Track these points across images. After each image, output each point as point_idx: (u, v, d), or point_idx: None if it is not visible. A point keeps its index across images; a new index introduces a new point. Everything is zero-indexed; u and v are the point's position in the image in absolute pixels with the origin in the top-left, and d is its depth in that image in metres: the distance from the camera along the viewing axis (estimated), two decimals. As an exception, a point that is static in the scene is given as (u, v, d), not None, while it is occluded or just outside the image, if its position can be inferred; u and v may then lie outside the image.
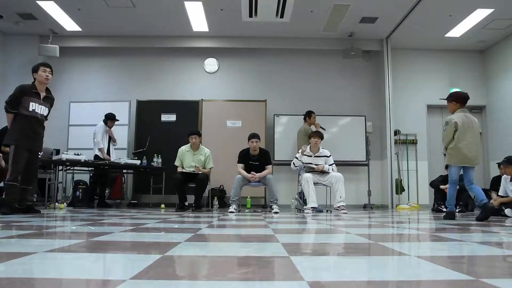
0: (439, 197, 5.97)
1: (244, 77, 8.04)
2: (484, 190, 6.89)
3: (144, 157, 6.75)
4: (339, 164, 6.60)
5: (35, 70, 4.07)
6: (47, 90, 4.20)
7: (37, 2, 6.26)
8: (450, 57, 8.05)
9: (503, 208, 4.70)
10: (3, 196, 3.98)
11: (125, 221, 3.28)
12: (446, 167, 5.26)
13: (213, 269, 1.31)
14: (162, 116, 7.48)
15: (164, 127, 7.41)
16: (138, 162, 6.48)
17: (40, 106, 4.07)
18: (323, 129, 6.65)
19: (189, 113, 7.46)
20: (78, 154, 5.66)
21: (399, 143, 7.58)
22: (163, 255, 1.46)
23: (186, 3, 6.32)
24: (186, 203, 5.55)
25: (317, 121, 6.77)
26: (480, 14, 6.47)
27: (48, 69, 4.09)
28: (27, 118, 3.97)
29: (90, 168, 6.53)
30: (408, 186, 7.50)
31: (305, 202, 5.37)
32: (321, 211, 5.26)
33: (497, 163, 6.03)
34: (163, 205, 6.39)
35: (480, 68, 8.05)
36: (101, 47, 7.83)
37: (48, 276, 1.12)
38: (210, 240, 2.18)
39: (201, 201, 5.64)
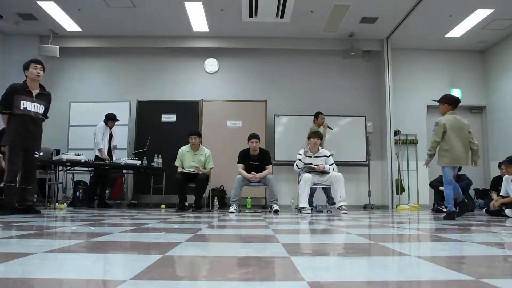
0: (439, 197, 5.97)
1: (244, 77, 8.04)
2: (484, 190, 6.98)
3: (144, 157, 6.75)
4: (340, 164, 6.61)
5: (25, 67, 3.98)
6: (41, 87, 4.09)
7: (37, 2, 6.26)
8: (450, 57, 8.05)
9: (504, 208, 4.70)
10: (3, 197, 3.97)
11: (125, 222, 3.28)
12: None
13: (213, 270, 1.31)
14: (162, 116, 7.48)
15: (164, 127, 7.41)
16: (138, 162, 6.48)
17: (32, 104, 3.97)
18: (331, 128, 6.68)
19: (189, 113, 7.46)
20: (78, 155, 5.65)
21: (399, 143, 7.58)
22: (164, 255, 1.46)
23: (186, 3, 6.32)
24: (187, 204, 5.55)
25: (325, 121, 6.76)
26: (480, 15, 6.47)
27: (39, 66, 3.99)
28: (19, 117, 3.90)
29: (90, 169, 6.53)
30: (408, 186, 7.50)
31: (310, 204, 5.38)
32: (321, 211, 5.26)
33: (498, 163, 6.03)
34: (163, 206, 6.39)
35: (480, 68, 8.04)
36: (101, 47, 7.83)
37: (48, 277, 1.12)
38: (211, 240, 2.18)
39: (201, 202, 5.64)
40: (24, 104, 3.92)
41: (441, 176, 5.91)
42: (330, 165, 5.45)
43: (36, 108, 4.02)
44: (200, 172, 5.52)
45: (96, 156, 6.18)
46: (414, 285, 1.07)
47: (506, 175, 4.91)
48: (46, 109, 4.20)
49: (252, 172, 5.43)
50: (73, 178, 6.93)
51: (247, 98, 7.69)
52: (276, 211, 5.06)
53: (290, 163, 6.82)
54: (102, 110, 6.65)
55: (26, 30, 7.29)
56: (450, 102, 4.17)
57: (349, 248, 1.88)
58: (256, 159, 5.56)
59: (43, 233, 2.33)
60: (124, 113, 7.18)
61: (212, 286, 1.03)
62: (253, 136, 5.55)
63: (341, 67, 7.99)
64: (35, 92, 4.03)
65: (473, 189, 6.89)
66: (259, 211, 5.83)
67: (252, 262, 1.37)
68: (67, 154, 5.64)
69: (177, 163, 5.76)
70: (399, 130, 7.53)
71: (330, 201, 5.34)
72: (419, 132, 7.75)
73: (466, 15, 6.56)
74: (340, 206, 5.09)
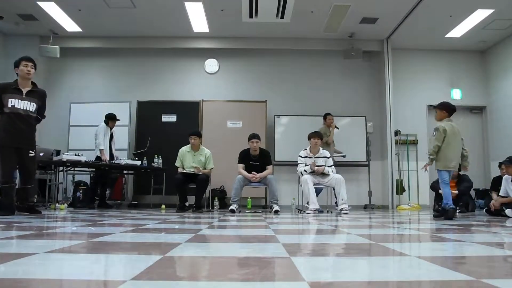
0: (439, 199, 5.96)
1: (244, 78, 8.04)
2: (484, 190, 6.98)
3: (145, 157, 6.75)
4: (340, 164, 6.62)
5: (16, 65, 3.91)
6: (34, 84, 4.02)
7: (38, 2, 6.27)
8: (450, 58, 8.04)
9: (504, 208, 4.70)
10: (1, 198, 3.94)
11: (125, 222, 3.28)
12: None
13: (213, 270, 1.31)
14: (162, 116, 7.48)
15: (164, 127, 7.41)
16: (138, 162, 6.48)
17: (22, 101, 3.89)
18: (337, 128, 6.71)
19: (190, 114, 7.47)
20: (78, 155, 5.65)
21: (399, 143, 7.58)
22: (164, 256, 1.46)
23: (186, 3, 6.32)
24: (187, 204, 5.55)
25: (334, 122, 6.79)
26: (480, 15, 6.47)
27: (29, 63, 3.92)
28: (8, 115, 3.83)
29: (90, 169, 6.53)
30: (409, 186, 7.50)
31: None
32: (321, 212, 5.26)
33: (498, 163, 6.03)
34: (163, 206, 6.39)
35: (480, 69, 8.04)
36: (101, 47, 7.83)
37: (49, 277, 1.12)
38: (211, 240, 2.18)
39: (201, 202, 5.64)
40: (12, 102, 3.84)
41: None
42: (329, 166, 5.44)
43: (26, 106, 3.92)
44: (200, 173, 5.52)
45: (97, 157, 6.18)
46: (415, 285, 1.07)
47: (506, 175, 4.91)
48: (41, 107, 4.09)
49: (252, 172, 5.44)
50: (73, 178, 6.92)
51: (247, 99, 7.69)
52: (276, 212, 5.06)
53: (290, 164, 6.85)
54: (102, 111, 6.64)
55: (27, 31, 7.30)
56: (448, 110, 4.39)
57: (349, 249, 1.88)
58: (256, 159, 5.56)
59: (44, 233, 2.33)
60: (125, 113, 7.18)
61: (213, 287, 1.03)
62: (253, 136, 5.55)
63: (341, 68, 7.99)
64: (26, 90, 3.93)
65: (474, 189, 6.88)
66: (260, 211, 5.83)
67: (253, 263, 1.37)
68: (68, 155, 5.64)
69: (177, 164, 5.76)
70: (399, 130, 7.53)
71: (338, 201, 5.34)
72: (419, 132, 7.75)
73: (466, 15, 6.56)
74: (342, 209, 5.09)
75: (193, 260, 1.47)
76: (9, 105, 3.83)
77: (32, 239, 1.98)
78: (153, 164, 6.67)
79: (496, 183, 5.56)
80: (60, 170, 5.82)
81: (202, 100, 7.55)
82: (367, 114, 7.75)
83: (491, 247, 1.89)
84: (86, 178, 7.02)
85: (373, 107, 7.91)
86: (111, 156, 6.34)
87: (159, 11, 6.62)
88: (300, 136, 6.80)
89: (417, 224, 3.58)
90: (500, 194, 4.94)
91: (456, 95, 7.93)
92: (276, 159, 7.22)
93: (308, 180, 5.19)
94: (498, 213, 4.74)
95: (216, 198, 6.50)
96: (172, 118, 7.48)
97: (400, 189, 7.28)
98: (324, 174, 5.38)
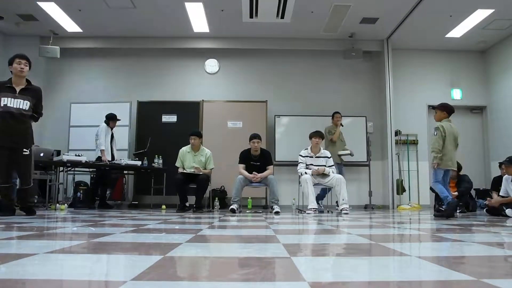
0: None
1: (244, 78, 8.04)
2: (484, 190, 6.98)
3: (145, 158, 6.75)
4: (344, 164, 6.60)
5: (10, 63, 3.85)
6: (28, 82, 3.95)
7: (38, 3, 6.27)
8: (450, 58, 8.04)
9: (504, 208, 4.69)
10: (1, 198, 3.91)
11: (126, 222, 3.28)
12: None
13: (214, 270, 1.31)
14: (163, 117, 7.49)
15: (165, 128, 7.42)
16: (139, 163, 6.48)
17: (15, 100, 3.81)
18: (341, 125, 6.69)
19: (190, 114, 7.47)
20: (79, 155, 5.65)
21: (400, 143, 7.58)
22: (164, 256, 1.46)
23: (186, 4, 6.32)
24: (187, 204, 5.55)
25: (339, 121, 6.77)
26: (480, 15, 6.47)
27: (23, 61, 3.84)
28: (0, 114, 3.76)
29: (91, 169, 6.53)
30: (409, 186, 7.50)
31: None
32: (322, 212, 5.26)
33: (499, 163, 6.02)
34: (164, 206, 6.39)
35: (480, 69, 8.04)
36: (101, 48, 7.83)
37: (49, 278, 1.12)
38: (211, 241, 2.18)
39: (202, 202, 5.64)
40: (5, 101, 3.78)
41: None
42: (329, 166, 5.43)
43: (19, 104, 3.85)
44: (201, 173, 5.52)
45: (98, 157, 6.18)
46: (415, 285, 1.07)
47: (506, 175, 4.92)
48: (36, 105, 4.01)
49: (253, 172, 5.44)
50: (73, 178, 6.93)
51: (248, 99, 7.69)
52: (277, 213, 5.05)
53: (290, 164, 6.84)
54: (102, 111, 6.64)
55: (27, 31, 7.30)
56: (447, 111, 4.51)
57: (350, 249, 1.88)
58: (257, 160, 5.56)
59: (44, 234, 2.33)
60: (125, 113, 7.19)
61: (213, 287, 1.03)
62: (254, 136, 5.55)
63: (341, 68, 7.99)
64: (19, 88, 3.87)
65: (474, 189, 6.88)
66: (260, 211, 5.83)
67: (253, 263, 1.38)
68: (68, 155, 5.64)
69: (177, 164, 5.76)
70: (399, 130, 7.53)
71: (338, 201, 5.33)
72: (419, 132, 7.75)
73: (467, 15, 6.56)
74: (342, 209, 5.09)
75: (194, 260, 1.48)
76: (1, 104, 3.78)
77: (32, 240, 1.98)
78: (153, 164, 6.67)
79: (497, 183, 5.56)
80: (60, 170, 5.82)
81: (202, 100, 7.55)
82: (367, 114, 7.75)
83: (492, 247, 1.89)
84: (86, 178, 7.03)
85: (373, 107, 7.91)
86: (112, 156, 6.34)
87: (159, 11, 6.62)
88: (300, 136, 6.82)
89: (418, 224, 3.58)
90: (500, 194, 4.94)
91: (456, 95, 7.94)
92: (276, 159, 7.22)
93: (308, 180, 5.19)
94: (498, 213, 4.74)
95: (217, 198, 6.50)
96: (173, 118, 7.49)
97: (400, 189, 7.28)
98: (324, 175, 5.37)
